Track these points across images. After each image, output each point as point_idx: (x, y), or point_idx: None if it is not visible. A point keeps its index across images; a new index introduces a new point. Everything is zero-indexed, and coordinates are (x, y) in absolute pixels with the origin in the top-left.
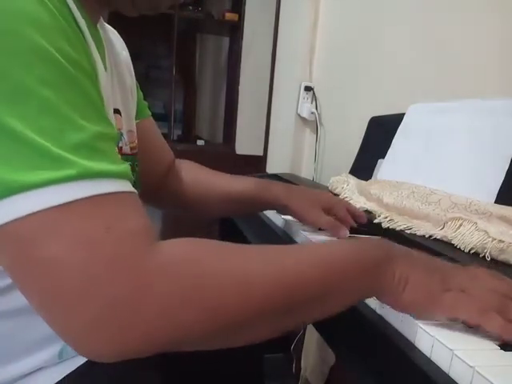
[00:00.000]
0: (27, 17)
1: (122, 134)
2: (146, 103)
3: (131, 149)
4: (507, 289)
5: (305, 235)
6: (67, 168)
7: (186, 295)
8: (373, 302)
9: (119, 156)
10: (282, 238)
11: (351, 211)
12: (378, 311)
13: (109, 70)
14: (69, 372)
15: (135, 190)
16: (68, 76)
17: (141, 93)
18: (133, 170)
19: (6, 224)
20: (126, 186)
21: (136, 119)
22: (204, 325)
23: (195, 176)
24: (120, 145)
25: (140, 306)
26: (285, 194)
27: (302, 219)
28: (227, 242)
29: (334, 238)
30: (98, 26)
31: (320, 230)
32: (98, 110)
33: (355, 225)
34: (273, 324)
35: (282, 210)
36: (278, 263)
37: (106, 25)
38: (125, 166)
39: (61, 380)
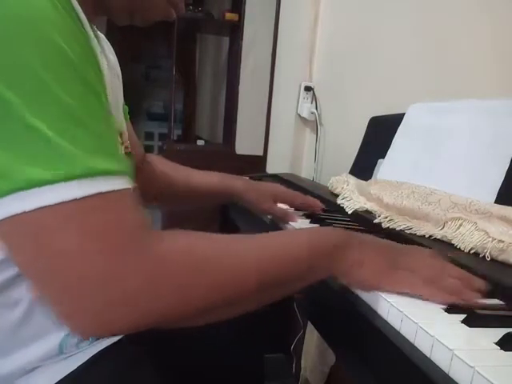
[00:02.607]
0: (51, 23)
1: None
2: (126, 107)
3: (125, 148)
4: (443, 266)
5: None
6: (81, 166)
7: (190, 276)
8: (374, 304)
9: (122, 152)
10: None
11: (308, 203)
12: (379, 312)
13: None
14: (69, 372)
15: (132, 185)
16: (83, 79)
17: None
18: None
19: (21, 215)
20: (129, 183)
21: None
22: (206, 300)
23: (161, 170)
24: None
25: (153, 287)
26: (242, 187)
27: (256, 209)
28: (215, 234)
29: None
30: None
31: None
32: (105, 111)
33: (320, 207)
34: (262, 298)
35: (239, 201)
36: (266, 247)
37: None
38: (127, 164)
39: (61, 380)
